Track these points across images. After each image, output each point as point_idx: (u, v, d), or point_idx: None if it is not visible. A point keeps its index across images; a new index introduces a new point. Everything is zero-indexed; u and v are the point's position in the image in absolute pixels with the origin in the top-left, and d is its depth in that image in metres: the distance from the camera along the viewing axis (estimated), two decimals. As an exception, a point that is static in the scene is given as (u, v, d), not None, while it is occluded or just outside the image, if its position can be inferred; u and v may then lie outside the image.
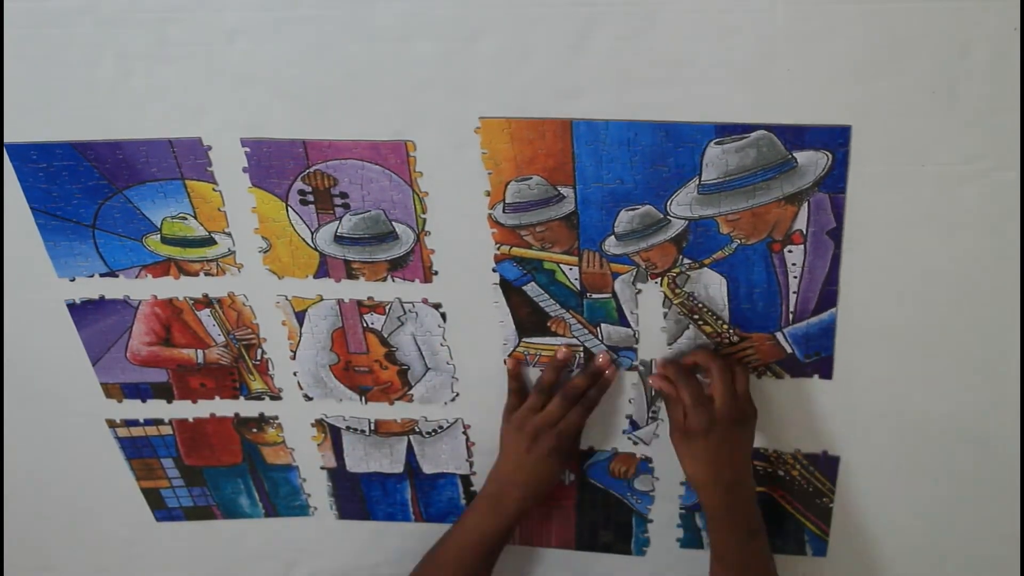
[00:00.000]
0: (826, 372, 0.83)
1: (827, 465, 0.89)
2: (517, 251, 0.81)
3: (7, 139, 0.77)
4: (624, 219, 0.77)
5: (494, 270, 0.82)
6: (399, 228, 0.80)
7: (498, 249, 0.81)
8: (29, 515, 1.04)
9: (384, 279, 0.84)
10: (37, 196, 0.81)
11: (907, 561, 0.93)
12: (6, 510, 1.03)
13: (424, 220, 0.79)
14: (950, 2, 0.64)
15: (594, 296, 0.83)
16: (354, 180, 0.78)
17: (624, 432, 0.91)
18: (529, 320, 0.85)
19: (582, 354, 0.87)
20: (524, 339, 0.87)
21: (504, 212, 0.78)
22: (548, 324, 0.85)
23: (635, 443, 0.92)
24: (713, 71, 0.69)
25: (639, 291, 0.82)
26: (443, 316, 0.86)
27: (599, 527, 0.99)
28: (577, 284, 0.83)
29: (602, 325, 0.85)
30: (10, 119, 0.76)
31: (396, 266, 0.83)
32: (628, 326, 0.85)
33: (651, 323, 0.84)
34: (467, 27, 0.69)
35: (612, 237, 0.79)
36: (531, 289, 0.84)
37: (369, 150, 0.76)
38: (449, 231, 0.80)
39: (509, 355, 0.88)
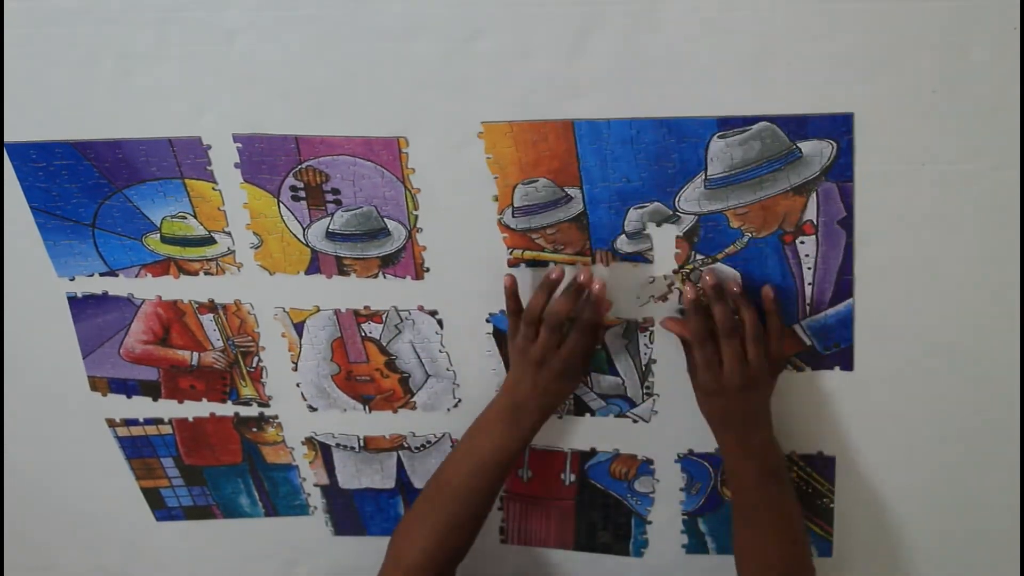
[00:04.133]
0: (847, 364, 0.83)
1: (823, 465, 0.89)
2: (529, 254, 0.80)
3: (7, 139, 0.78)
4: (633, 217, 0.77)
5: (488, 319, 0.83)
6: (391, 224, 0.80)
7: (511, 254, 0.80)
8: (29, 515, 1.04)
9: (376, 275, 0.83)
10: (37, 195, 0.81)
11: (914, 556, 0.93)
12: (6, 510, 1.03)
13: (416, 217, 0.79)
14: (950, 1, 0.64)
15: None
16: (346, 176, 0.78)
17: (623, 411, 0.91)
18: None
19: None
20: None
21: (513, 216, 0.78)
22: None
23: (635, 421, 0.91)
24: (713, 69, 0.69)
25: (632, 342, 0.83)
26: (440, 323, 0.86)
27: (598, 528, 0.99)
28: None
29: (592, 374, 0.87)
30: (10, 119, 0.77)
31: (388, 263, 0.83)
32: (617, 375, 0.86)
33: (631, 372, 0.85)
34: (467, 27, 0.69)
35: (623, 236, 0.78)
36: None
37: (361, 146, 0.76)
38: (443, 230, 0.80)
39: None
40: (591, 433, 0.92)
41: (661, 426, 0.90)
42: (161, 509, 1.03)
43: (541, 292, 0.79)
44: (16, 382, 0.94)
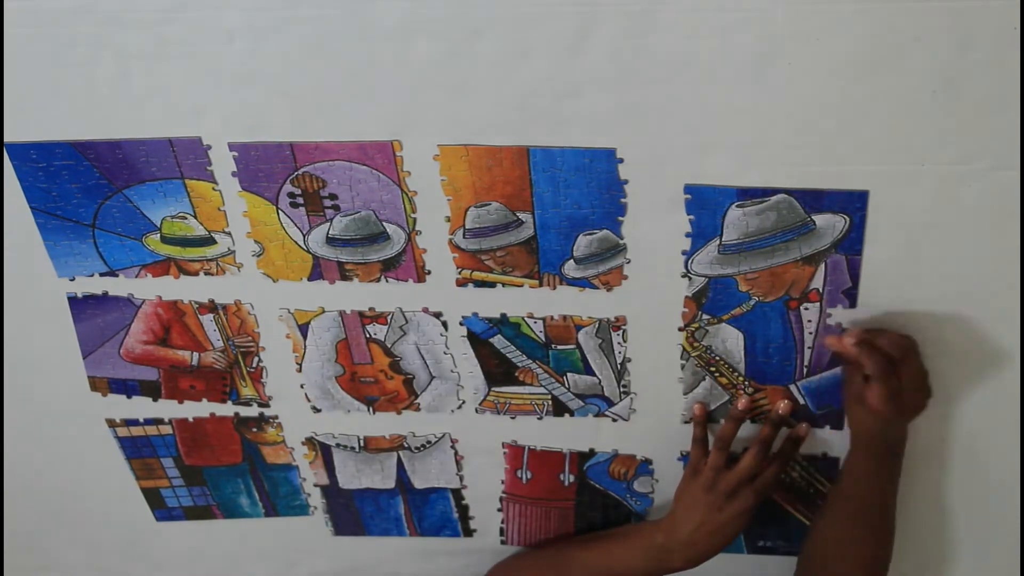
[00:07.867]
0: (837, 424, 0.85)
1: (827, 467, 0.89)
2: (478, 275, 0.81)
3: (7, 139, 0.77)
4: (583, 243, 0.78)
5: (461, 323, 0.85)
6: (390, 228, 0.80)
7: (459, 273, 0.81)
8: (29, 515, 1.04)
9: (378, 280, 0.83)
10: (37, 196, 0.81)
11: (914, 556, 0.93)
12: (6, 510, 1.03)
13: (414, 220, 0.79)
14: (950, 2, 0.64)
15: (559, 347, 0.85)
16: (343, 181, 0.78)
17: (601, 411, 0.90)
18: (498, 371, 0.87)
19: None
20: (494, 388, 0.89)
21: (464, 237, 0.79)
22: (516, 374, 0.87)
23: (614, 420, 0.91)
24: (713, 66, 0.69)
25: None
26: (444, 325, 0.86)
27: (597, 528, 0.98)
28: (542, 336, 0.85)
29: (568, 374, 0.87)
30: (10, 119, 0.76)
31: (389, 266, 0.83)
32: (593, 375, 0.87)
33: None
34: (466, 27, 0.69)
35: (571, 261, 0.79)
36: (498, 341, 0.86)
37: (356, 151, 0.76)
38: (442, 232, 0.80)
39: (480, 403, 0.90)
40: (589, 433, 0.92)
41: (649, 425, 0.90)
42: (161, 509, 1.03)
43: (731, 422, 0.83)
44: (16, 382, 0.94)
